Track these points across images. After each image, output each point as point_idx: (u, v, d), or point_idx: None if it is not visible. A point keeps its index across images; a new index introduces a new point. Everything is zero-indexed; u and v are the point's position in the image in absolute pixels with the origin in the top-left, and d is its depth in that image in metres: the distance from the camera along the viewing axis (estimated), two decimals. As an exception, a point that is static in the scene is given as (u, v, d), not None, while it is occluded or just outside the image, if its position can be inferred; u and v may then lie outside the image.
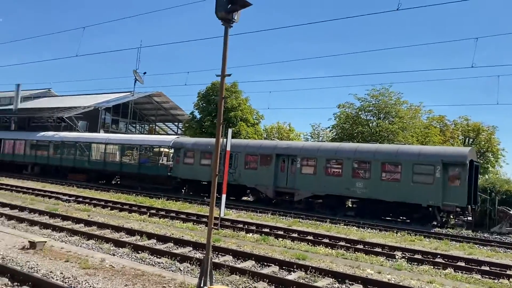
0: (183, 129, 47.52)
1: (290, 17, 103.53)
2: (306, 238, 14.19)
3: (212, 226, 7.92)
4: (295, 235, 14.69)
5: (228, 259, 10.48)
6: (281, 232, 14.97)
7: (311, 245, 13.12)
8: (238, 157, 24.70)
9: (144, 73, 39.84)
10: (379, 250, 13.02)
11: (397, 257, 12.07)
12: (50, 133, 37.10)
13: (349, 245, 13.31)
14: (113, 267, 8.66)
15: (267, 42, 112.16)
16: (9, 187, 23.88)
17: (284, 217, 19.62)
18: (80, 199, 20.50)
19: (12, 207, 16.48)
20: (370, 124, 36.79)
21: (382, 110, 36.51)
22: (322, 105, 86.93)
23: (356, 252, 12.28)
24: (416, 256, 12.51)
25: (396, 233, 16.91)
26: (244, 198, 27.15)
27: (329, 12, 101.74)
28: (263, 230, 15.11)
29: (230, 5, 7.76)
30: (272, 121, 64.53)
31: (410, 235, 16.58)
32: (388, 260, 11.79)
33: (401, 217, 21.66)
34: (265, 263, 10.28)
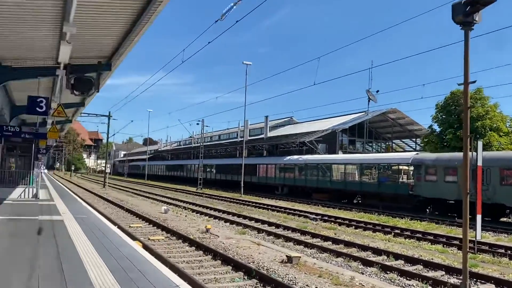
0: (421, 145, 45.08)
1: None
2: None
3: (468, 249, 7.15)
4: None
5: (490, 289, 9.23)
6: (559, 261, 12.28)
7: None
8: (490, 172, 21.73)
9: (377, 91, 39.83)
10: None
11: None
12: (295, 157, 40.94)
13: None
14: (363, 285, 8.77)
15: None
16: (265, 206, 27.33)
17: (561, 242, 16.03)
18: (326, 218, 21.71)
19: (270, 224, 18.76)
20: None
21: None
22: None
23: None
24: None
25: None
26: (503, 219, 23.53)
27: None
28: (533, 257, 12.72)
29: (469, 7, 7.09)
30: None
31: None
32: None
33: None
34: (541, 298, 8.60)
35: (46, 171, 60.78)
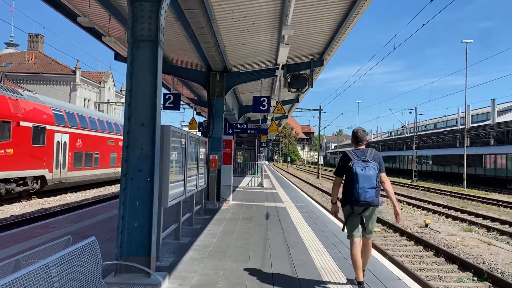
0: None
1: None
2: None
3: None
4: None
5: None
6: None
7: None
8: None
9: None
10: None
11: None
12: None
13: None
14: None
15: None
16: (495, 202, 24.02)
17: None
18: None
19: (502, 222, 16.39)
20: None
21: None
22: None
23: None
24: None
25: None
26: None
27: None
28: None
29: None
30: None
31: None
32: None
33: None
34: None
35: (266, 162, 67.58)
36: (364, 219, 5.04)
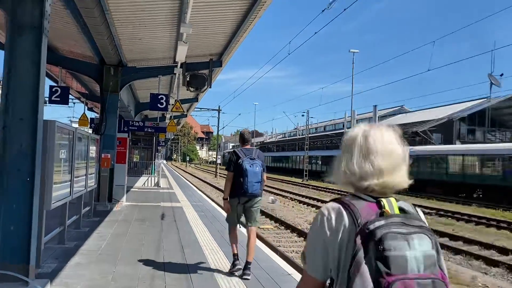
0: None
1: None
2: None
3: None
4: None
5: None
6: None
7: None
8: None
9: (501, 75, 36.00)
10: None
11: None
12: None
13: None
14: (487, 286, 8.07)
15: None
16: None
17: None
18: (441, 213, 20.31)
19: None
20: None
21: None
22: None
23: None
24: None
25: None
26: None
27: None
28: None
29: None
30: None
31: None
32: None
33: None
34: None
35: (164, 161, 66.07)
36: (248, 209, 5.77)
